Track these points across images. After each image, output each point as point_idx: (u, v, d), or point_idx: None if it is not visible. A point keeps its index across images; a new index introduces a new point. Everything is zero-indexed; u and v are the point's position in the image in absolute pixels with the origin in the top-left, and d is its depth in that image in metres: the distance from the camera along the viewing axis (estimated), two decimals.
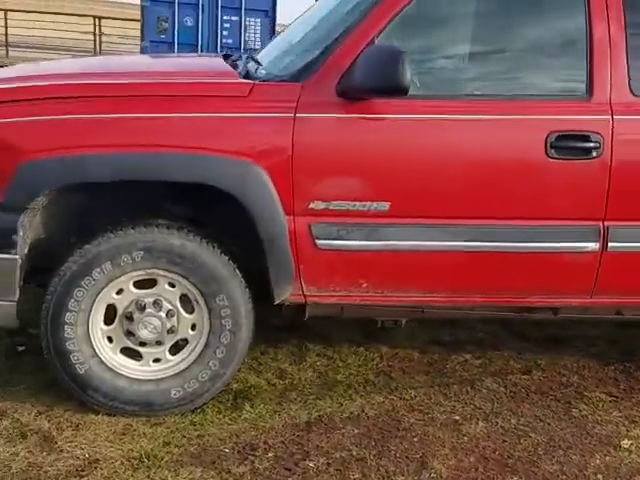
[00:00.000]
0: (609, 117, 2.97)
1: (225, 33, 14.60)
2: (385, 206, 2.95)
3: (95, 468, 2.72)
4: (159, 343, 3.05)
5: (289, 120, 2.88)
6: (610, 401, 3.41)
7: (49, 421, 3.00)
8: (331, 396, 3.32)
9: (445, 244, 3.02)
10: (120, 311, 3.01)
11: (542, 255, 3.05)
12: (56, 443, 2.86)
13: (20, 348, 3.56)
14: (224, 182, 2.87)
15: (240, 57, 3.88)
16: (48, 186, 2.85)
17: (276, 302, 3.08)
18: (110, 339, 3.05)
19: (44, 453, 2.79)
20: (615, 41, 2.96)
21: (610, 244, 3.03)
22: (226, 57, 3.94)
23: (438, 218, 3.00)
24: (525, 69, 3.12)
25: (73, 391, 3.03)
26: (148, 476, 2.69)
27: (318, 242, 2.98)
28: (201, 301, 3.02)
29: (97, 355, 3.01)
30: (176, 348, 3.09)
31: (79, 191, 2.94)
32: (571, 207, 3.02)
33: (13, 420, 2.99)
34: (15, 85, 3.02)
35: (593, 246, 3.04)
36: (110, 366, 3.03)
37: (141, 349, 3.06)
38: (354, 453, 2.91)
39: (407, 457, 2.90)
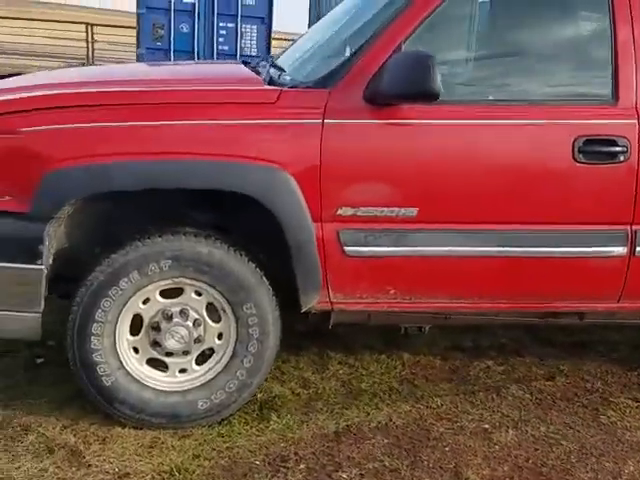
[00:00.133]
0: (635, 121, 2.97)
1: (221, 40, 14.59)
2: (413, 212, 2.93)
3: None
4: (186, 353, 3.00)
5: (317, 126, 2.85)
6: (637, 407, 3.39)
7: (75, 435, 2.95)
8: (357, 405, 3.28)
9: (473, 249, 3.00)
10: (146, 321, 2.97)
11: (569, 260, 3.04)
12: (84, 457, 2.80)
13: (39, 360, 3.51)
14: (252, 189, 2.83)
15: (259, 63, 3.85)
16: (75, 195, 2.81)
17: (303, 310, 3.04)
18: (136, 350, 3.00)
19: (73, 468, 2.74)
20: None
21: (638, 248, 3.02)
22: (245, 63, 3.90)
23: (466, 223, 2.98)
24: (552, 74, 3.12)
25: (99, 404, 2.98)
26: None
27: (346, 249, 2.95)
28: (228, 310, 2.98)
29: (123, 367, 2.96)
30: (202, 358, 3.05)
31: (103, 200, 2.90)
32: (599, 211, 3.01)
33: (38, 435, 2.93)
34: (38, 93, 2.97)
35: (621, 250, 3.02)
36: (136, 378, 2.98)
37: (167, 359, 3.01)
38: (386, 464, 2.87)
39: (440, 467, 2.87)
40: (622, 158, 2.95)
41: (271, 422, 3.11)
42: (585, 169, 2.95)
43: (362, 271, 3.01)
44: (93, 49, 22.15)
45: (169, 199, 2.97)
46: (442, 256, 3.00)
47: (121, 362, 2.96)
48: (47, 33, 21.51)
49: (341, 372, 3.60)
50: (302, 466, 2.83)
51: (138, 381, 2.98)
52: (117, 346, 2.94)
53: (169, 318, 2.96)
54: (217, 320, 3.01)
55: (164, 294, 2.97)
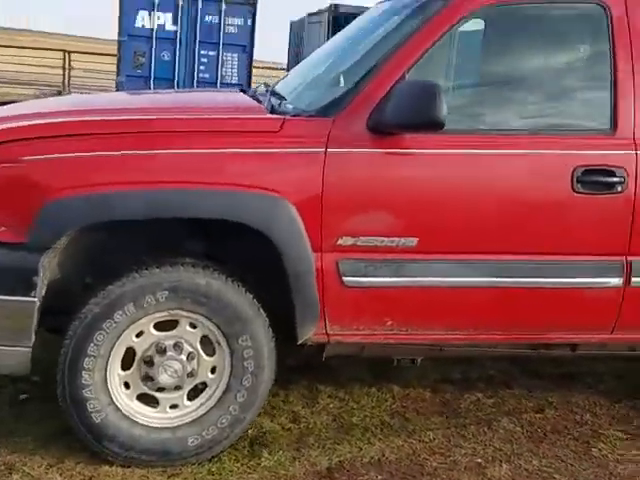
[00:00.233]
0: (634, 152, 3.01)
1: (202, 68, 14.66)
2: (413, 241, 2.93)
3: None
4: (178, 388, 2.95)
5: (320, 155, 2.86)
6: (627, 439, 3.41)
7: (61, 474, 2.88)
8: (349, 440, 3.26)
9: (472, 280, 3.01)
10: (139, 354, 2.92)
11: (566, 291, 3.06)
12: None
13: (23, 396, 3.43)
14: (254, 219, 2.81)
15: (256, 91, 3.86)
16: (74, 225, 2.78)
17: (299, 342, 3.02)
18: (127, 385, 2.95)
19: None
20: (638, 81, 3.01)
21: (633, 279, 3.05)
22: (242, 91, 3.91)
23: (466, 254, 2.99)
24: (553, 105, 3.17)
25: (87, 442, 2.92)
26: None
27: (345, 279, 2.94)
28: (223, 342, 2.94)
29: (114, 403, 2.90)
30: (193, 393, 3.01)
31: (97, 230, 2.86)
32: (595, 242, 3.04)
33: (23, 474, 2.86)
34: (37, 122, 2.94)
35: (616, 281, 3.05)
36: (126, 414, 2.92)
37: (158, 395, 2.96)
38: None
39: None
40: (619, 189, 2.99)
41: (262, 459, 3.06)
42: (583, 199, 2.98)
43: (360, 302, 3.00)
44: (69, 76, 22.09)
45: (164, 229, 2.94)
46: (441, 287, 3.00)
47: (111, 398, 2.90)
48: (20, 60, 21.45)
49: (331, 406, 3.57)
50: None
51: (128, 417, 2.92)
52: (108, 381, 2.89)
53: (163, 351, 2.91)
54: (211, 353, 2.98)
55: (158, 327, 2.93)
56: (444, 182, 2.97)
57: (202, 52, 14.79)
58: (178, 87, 14.69)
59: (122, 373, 2.93)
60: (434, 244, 2.96)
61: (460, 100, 3.08)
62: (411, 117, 2.79)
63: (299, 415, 3.46)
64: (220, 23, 14.78)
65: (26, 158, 2.74)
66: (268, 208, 2.83)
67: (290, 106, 3.17)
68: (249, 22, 14.92)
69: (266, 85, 3.82)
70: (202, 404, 2.99)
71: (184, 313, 2.90)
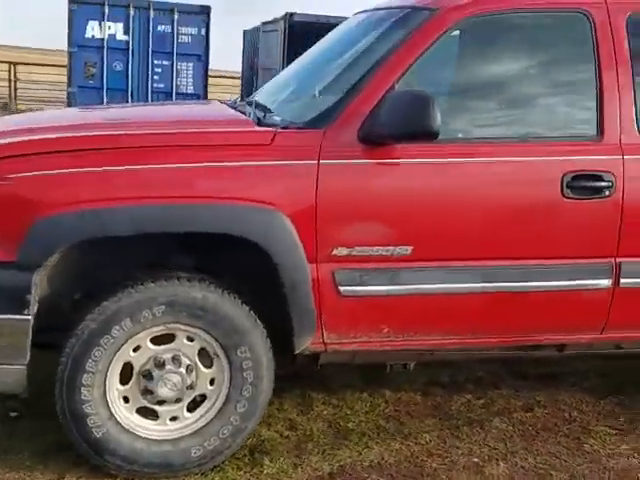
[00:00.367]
0: (620, 157, 3.09)
1: (156, 77, 14.55)
2: (407, 250, 2.96)
3: None
4: (178, 400, 2.94)
5: (313, 167, 2.87)
6: (615, 434, 3.49)
7: None
8: (347, 445, 3.28)
9: (466, 286, 3.05)
10: (137, 369, 2.90)
11: (558, 293, 3.12)
12: None
13: (13, 414, 3.37)
14: (249, 231, 2.81)
15: (237, 101, 3.84)
16: (66, 242, 2.74)
17: (296, 351, 3.03)
18: (126, 399, 2.92)
19: None
20: (623, 87, 3.09)
21: (622, 280, 3.12)
22: (220, 102, 3.90)
23: (459, 260, 3.03)
24: (541, 112, 3.23)
25: (89, 456, 2.90)
26: None
27: (341, 289, 2.96)
28: (221, 354, 2.94)
29: (113, 417, 2.88)
30: (193, 405, 2.99)
31: (88, 246, 2.83)
32: (585, 245, 3.10)
33: None
34: (27, 138, 2.90)
35: (606, 283, 3.12)
36: (127, 428, 2.90)
37: (158, 408, 2.95)
38: None
39: None
40: (607, 193, 3.06)
41: (264, 466, 3.07)
42: (572, 204, 3.04)
43: (357, 311, 3.02)
44: (16, 88, 21.71)
45: (154, 243, 2.92)
46: (436, 293, 3.04)
47: (111, 412, 2.88)
48: None
49: (326, 412, 3.59)
50: None
51: (129, 431, 2.90)
52: (107, 396, 2.86)
53: (161, 365, 2.90)
54: (209, 365, 2.97)
55: (154, 341, 2.91)
56: (436, 191, 3.00)
57: (156, 62, 14.68)
58: (132, 98, 14.57)
59: (121, 387, 2.91)
60: (428, 252, 2.99)
61: (449, 109, 3.11)
62: (405, 127, 2.80)
63: (295, 422, 3.47)
64: (173, 32, 14.72)
65: (12, 175, 2.70)
66: (265, 221, 2.83)
67: (277, 118, 3.17)
68: (203, 31, 14.88)
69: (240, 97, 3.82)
70: (202, 415, 2.98)
71: (181, 327, 2.89)
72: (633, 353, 3.59)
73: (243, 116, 3.39)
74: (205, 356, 2.96)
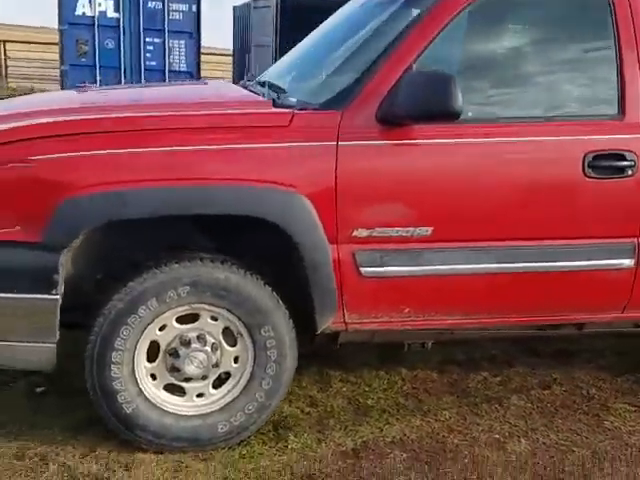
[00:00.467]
0: None
1: (148, 55, 14.46)
2: (428, 231, 2.97)
3: None
4: (204, 377, 2.96)
5: (332, 148, 2.85)
6: (635, 411, 3.51)
7: (97, 462, 2.89)
8: (368, 422, 3.30)
9: (487, 266, 3.05)
10: (163, 347, 2.92)
11: (580, 273, 3.13)
12: None
13: (39, 390, 3.39)
14: (269, 213, 2.81)
15: (246, 82, 3.81)
16: (91, 223, 2.73)
17: (318, 331, 3.04)
18: (154, 376, 2.95)
19: None
20: None
21: None
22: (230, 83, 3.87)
23: (480, 241, 3.03)
24: (561, 92, 3.21)
25: (119, 431, 2.93)
26: None
27: (362, 269, 2.96)
28: (245, 333, 2.96)
29: (142, 393, 2.91)
30: (218, 382, 3.02)
31: (110, 228, 2.81)
32: (607, 225, 3.11)
33: (59, 464, 2.85)
34: (51, 120, 2.87)
35: (628, 262, 3.14)
36: (155, 404, 2.93)
37: (185, 385, 2.97)
38: (412, 477, 2.90)
39: (465, 479, 2.92)
40: (630, 172, 3.06)
41: (289, 441, 3.10)
42: (594, 184, 3.05)
43: (378, 291, 3.03)
44: (6, 66, 21.51)
45: (175, 225, 2.92)
46: (456, 274, 3.05)
47: (140, 389, 2.90)
48: None
49: (345, 390, 3.61)
50: None
51: (158, 407, 2.93)
52: (136, 373, 2.89)
53: (187, 344, 2.92)
54: (233, 344, 2.99)
55: (179, 320, 2.93)
56: (456, 171, 2.99)
57: (147, 39, 14.60)
58: (125, 76, 14.48)
59: (148, 365, 2.93)
60: (449, 232, 3.00)
61: (470, 89, 3.07)
62: (425, 108, 2.78)
63: (316, 399, 3.49)
64: (164, 9, 14.62)
65: (36, 157, 2.69)
66: (286, 203, 2.83)
67: (293, 99, 3.15)
68: (194, 8, 14.79)
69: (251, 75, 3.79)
70: (228, 392, 3.01)
71: (205, 306, 2.90)
72: None
73: (260, 97, 3.37)
74: (229, 335, 2.98)
